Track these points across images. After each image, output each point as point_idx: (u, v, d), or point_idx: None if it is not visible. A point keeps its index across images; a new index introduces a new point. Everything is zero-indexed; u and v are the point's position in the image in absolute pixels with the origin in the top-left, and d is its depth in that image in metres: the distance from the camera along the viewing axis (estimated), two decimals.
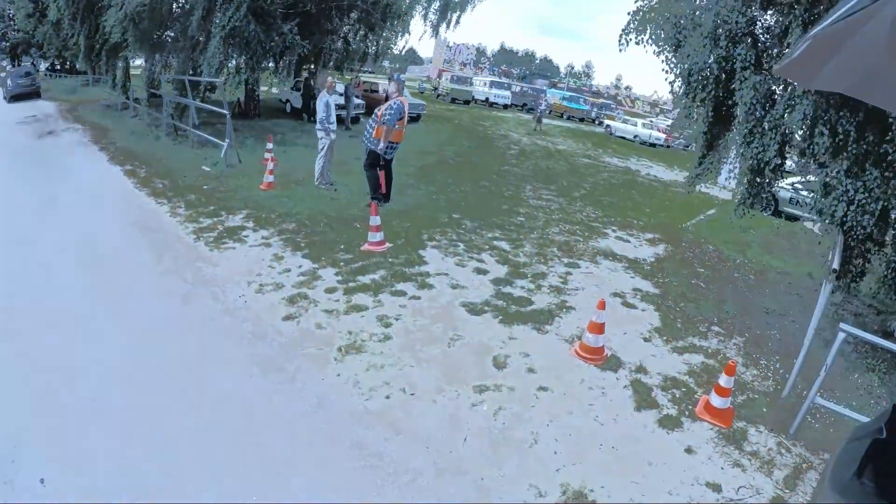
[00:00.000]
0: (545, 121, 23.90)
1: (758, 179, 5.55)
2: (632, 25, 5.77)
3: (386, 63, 17.60)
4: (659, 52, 5.61)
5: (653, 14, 5.53)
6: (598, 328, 4.42)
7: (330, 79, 8.77)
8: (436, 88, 32.26)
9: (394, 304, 4.74)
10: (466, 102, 29.80)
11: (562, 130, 25.23)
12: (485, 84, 31.41)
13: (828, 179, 5.05)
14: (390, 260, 5.64)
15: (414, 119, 19.48)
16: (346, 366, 3.74)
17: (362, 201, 7.88)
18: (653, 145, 25.56)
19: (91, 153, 11.15)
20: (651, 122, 28.89)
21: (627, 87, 70.85)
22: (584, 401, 3.76)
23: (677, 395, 4.07)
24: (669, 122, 37.90)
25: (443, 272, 5.57)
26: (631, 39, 5.81)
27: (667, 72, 5.62)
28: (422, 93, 26.78)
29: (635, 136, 25.96)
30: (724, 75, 5.13)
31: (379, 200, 7.66)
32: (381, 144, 7.28)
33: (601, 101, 40.63)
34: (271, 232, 6.26)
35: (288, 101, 17.21)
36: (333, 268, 5.34)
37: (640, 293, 5.99)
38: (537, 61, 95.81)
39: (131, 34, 10.48)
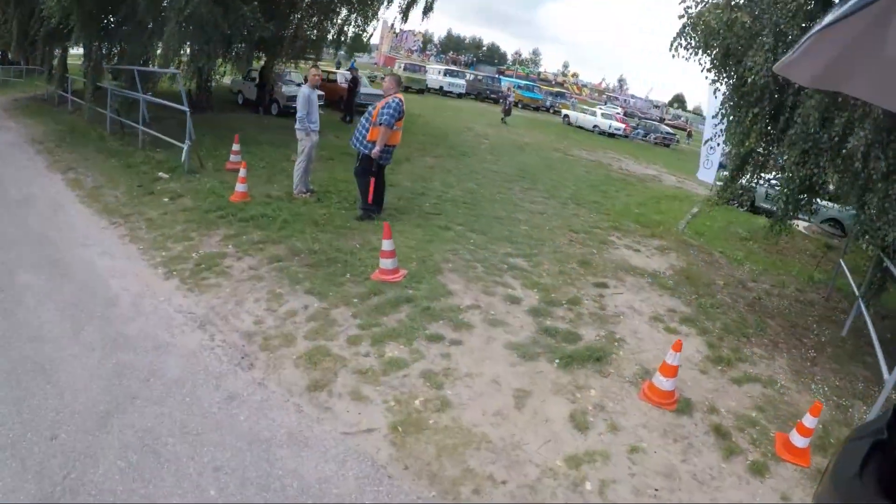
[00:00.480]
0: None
1: (800, 197, 5.18)
2: (685, 30, 5.20)
3: (338, 51, 16.22)
4: (707, 62, 5.09)
5: (706, 19, 4.94)
6: (673, 371, 3.99)
7: (314, 70, 7.68)
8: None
9: (435, 354, 3.96)
10: (420, 91, 28.71)
11: (521, 121, 24.83)
12: (439, 72, 30.40)
13: (879, 203, 4.73)
14: (410, 292, 4.83)
15: None
16: (411, 453, 2.95)
17: (351, 212, 6.98)
18: (612, 135, 25.67)
19: (26, 157, 9.47)
20: (600, 108, 29.09)
21: (574, 75, 71.52)
22: (676, 457, 3.41)
23: (754, 436, 3.83)
24: (619, 109, 38.72)
25: (474, 304, 4.84)
26: (682, 45, 5.25)
27: (716, 81, 5.11)
28: (373, 81, 25.47)
29: (594, 127, 25.98)
30: (777, 90, 4.68)
31: (371, 212, 6.79)
32: (377, 148, 6.38)
33: (556, 90, 40.65)
34: (258, 259, 5.26)
35: (240, 91, 15.50)
36: (347, 307, 4.47)
37: (677, 315, 5.54)
38: (484, 48, 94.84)
39: (76, 17, 8.81)
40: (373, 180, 6.62)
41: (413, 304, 4.60)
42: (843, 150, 4.34)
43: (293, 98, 14.56)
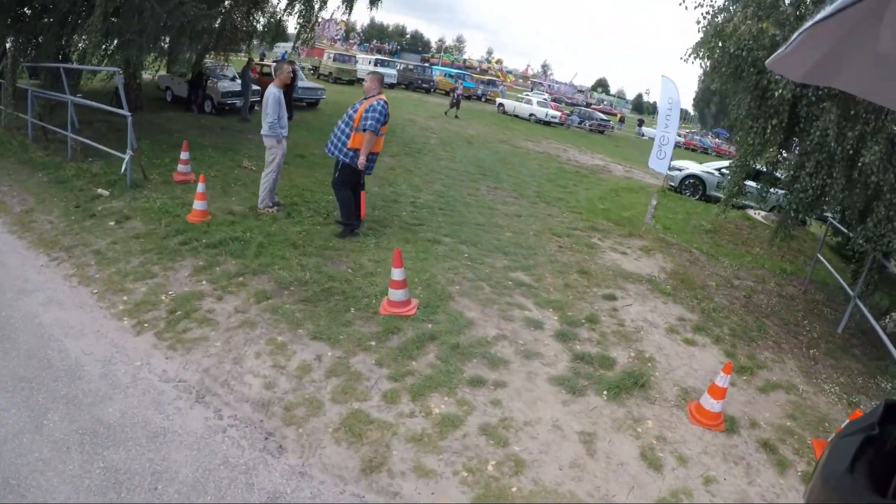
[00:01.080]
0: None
1: (807, 206, 5.24)
2: (709, 41, 5.00)
3: (274, 42, 14.93)
4: (718, 69, 4.95)
5: (739, 32, 4.73)
6: (723, 393, 3.93)
7: (287, 66, 6.76)
8: (316, 68, 29.24)
9: (484, 402, 3.52)
10: (350, 82, 27.45)
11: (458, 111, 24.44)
12: (369, 62, 29.25)
13: (885, 212, 4.84)
14: (429, 326, 4.32)
15: (313, 104, 17.30)
16: None
17: (328, 227, 6.29)
18: (548, 124, 25.96)
19: None
20: (533, 96, 29.34)
21: (499, 61, 71.94)
22: (742, 481, 3.43)
23: (795, 446, 3.93)
24: (545, 95, 39.37)
25: (500, 334, 4.42)
26: (701, 54, 5.06)
27: (729, 89, 4.99)
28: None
29: (531, 115, 26.14)
30: (793, 101, 4.63)
31: (353, 228, 6.14)
32: (362, 157, 5.71)
33: (487, 78, 40.51)
34: (243, 298, 4.49)
35: (168, 88, 13.68)
36: (366, 352, 3.89)
37: (688, 324, 5.46)
38: (407, 36, 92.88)
39: None
40: (363, 193, 5.98)
41: (438, 342, 4.10)
42: (860, 164, 4.36)
43: (229, 94, 13.24)
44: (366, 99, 5.86)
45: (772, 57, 0.73)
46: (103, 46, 7.20)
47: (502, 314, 4.79)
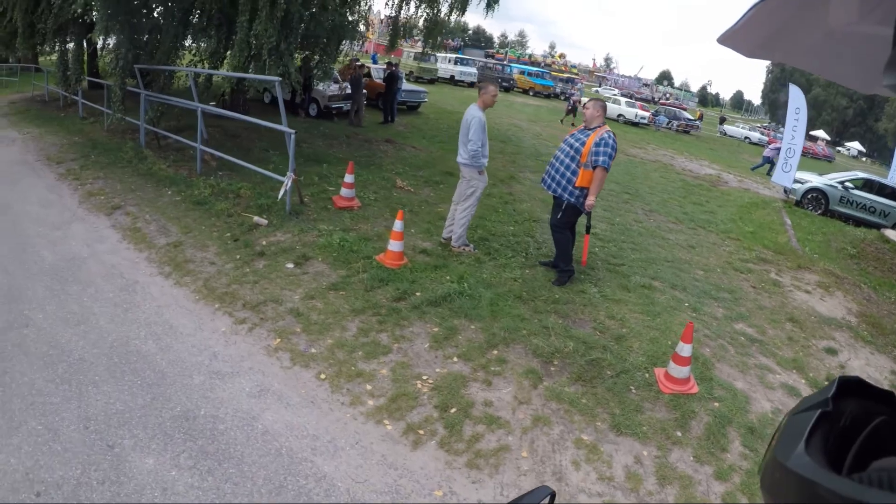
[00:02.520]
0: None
1: None
2: None
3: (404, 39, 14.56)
4: None
5: None
6: None
7: (495, 86, 5.99)
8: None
9: None
10: (431, 81, 27.67)
11: (546, 112, 24.02)
12: (449, 61, 29.29)
13: None
14: (717, 405, 4.17)
15: (414, 107, 17.18)
16: None
17: (532, 269, 5.94)
18: (636, 125, 25.31)
19: (45, 186, 6.96)
20: (613, 96, 28.41)
21: (562, 55, 70.22)
22: None
23: None
24: (615, 91, 38.14)
25: (776, 408, 4.27)
26: None
27: None
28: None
29: (619, 116, 25.51)
30: None
31: (571, 274, 5.83)
32: (592, 198, 5.28)
33: (565, 75, 39.57)
34: (516, 382, 3.91)
35: (266, 89, 12.45)
36: (678, 446, 3.63)
37: None
38: (469, 32, 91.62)
39: (99, 2, 6.92)
40: (587, 237, 5.82)
41: (735, 425, 3.98)
42: None
43: (336, 97, 12.88)
44: (589, 130, 5.36)
45: (722, 33, 0.73)
46: (247, 53, 7.07)
47: (761, 381, 4.64)
